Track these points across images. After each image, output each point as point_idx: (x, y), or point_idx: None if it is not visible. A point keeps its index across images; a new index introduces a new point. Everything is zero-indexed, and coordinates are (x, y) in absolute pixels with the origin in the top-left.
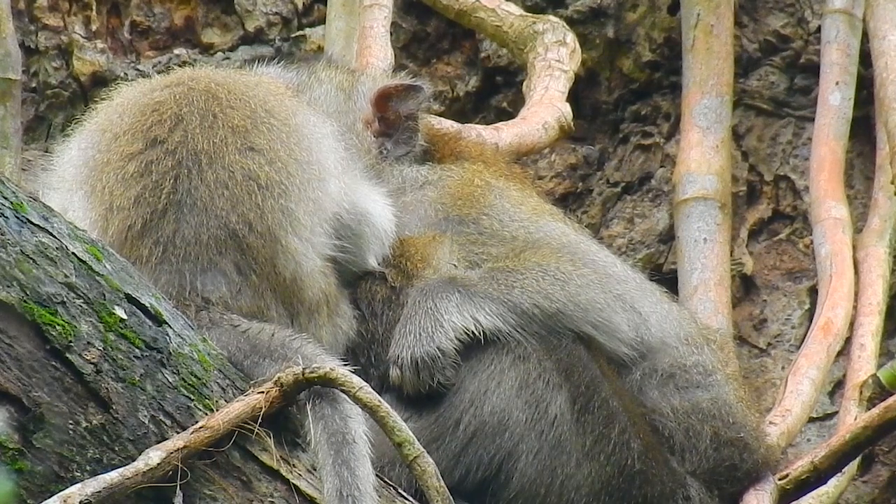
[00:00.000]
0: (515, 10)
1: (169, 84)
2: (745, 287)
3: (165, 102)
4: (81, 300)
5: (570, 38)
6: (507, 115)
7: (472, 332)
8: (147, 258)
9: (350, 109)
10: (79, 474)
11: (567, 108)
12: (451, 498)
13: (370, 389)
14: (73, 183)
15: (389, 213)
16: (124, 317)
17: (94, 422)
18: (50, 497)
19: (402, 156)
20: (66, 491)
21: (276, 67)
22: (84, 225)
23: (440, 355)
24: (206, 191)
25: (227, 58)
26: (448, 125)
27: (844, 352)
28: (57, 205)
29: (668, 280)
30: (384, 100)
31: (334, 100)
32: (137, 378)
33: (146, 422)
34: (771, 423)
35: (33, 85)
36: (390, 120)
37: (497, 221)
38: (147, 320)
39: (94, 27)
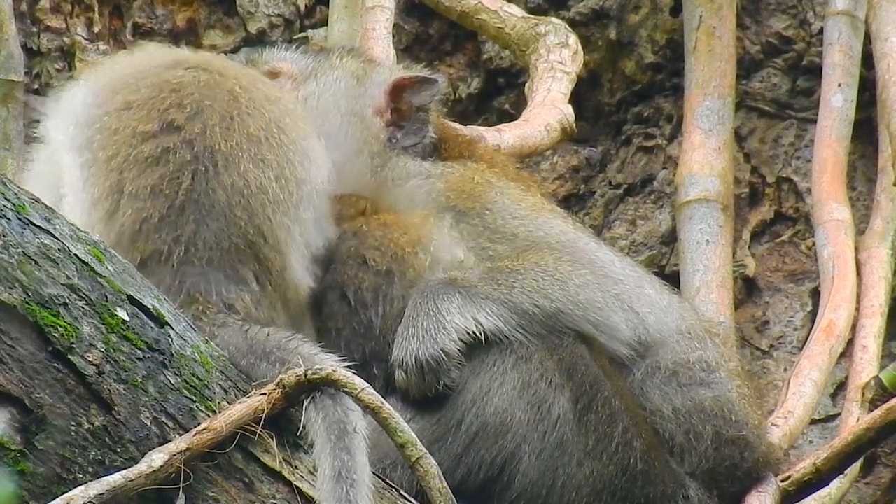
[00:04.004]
0: (518, 11)
1: (194, 66)
2: (747, 289)
3: (187, 86)
4: (83, 302)
5: (573, 39)
6: (510, 116)
7: (474, 333)
8: (167, 255)
9: (360, 95)
10: (81, 476)
11: (569, 110)
12: (453, 499)
13: (372, 391)
14: (71, 141)
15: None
16: (126, 318)
17: (97, 423)
18: (53, 499)
19: (409, 146)
20: (70, 493)
21: (292, 52)
22: (78, 194)
23: (444, 357)
24: (223, 195)
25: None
26: (468, 131)
27: (846, 353)
28: (42, 159)
29: (670, 282)
30: (399, 91)
31: (345, 85)
32: (139, 380)
33: (148, 423)
34: (773, 424)
35: (35, 87)
36: (403, 111)
37: (499, 218)
38: (149, 322)
39: (96, 29)
